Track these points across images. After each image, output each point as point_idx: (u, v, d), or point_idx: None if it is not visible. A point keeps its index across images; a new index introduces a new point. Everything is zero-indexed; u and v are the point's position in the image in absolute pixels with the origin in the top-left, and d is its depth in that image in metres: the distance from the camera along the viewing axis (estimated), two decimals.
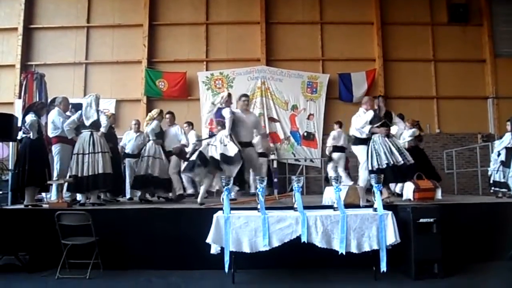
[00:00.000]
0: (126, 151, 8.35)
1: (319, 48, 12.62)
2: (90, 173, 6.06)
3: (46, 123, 6.90)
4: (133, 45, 12.45)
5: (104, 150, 6.22)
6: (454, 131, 12.39)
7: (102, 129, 6.28)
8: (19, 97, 9.37)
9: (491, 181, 8.00)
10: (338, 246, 4.38)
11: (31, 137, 6.10)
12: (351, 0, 12.76)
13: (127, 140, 8.46)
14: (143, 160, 7.33)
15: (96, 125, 6.28)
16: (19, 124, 6.55)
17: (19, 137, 6.41)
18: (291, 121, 11.99)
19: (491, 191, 8.00)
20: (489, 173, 8.23)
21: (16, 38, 12.28)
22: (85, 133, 6.24)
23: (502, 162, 7.65)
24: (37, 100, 7.78)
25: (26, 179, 5.93)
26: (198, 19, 12.64)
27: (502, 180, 7.56)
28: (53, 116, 6.61)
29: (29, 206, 5.94)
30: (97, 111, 6.36)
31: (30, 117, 6.14)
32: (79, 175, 6.05)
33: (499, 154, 7.79)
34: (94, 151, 6.14)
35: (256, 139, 7.46)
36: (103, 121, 6.32)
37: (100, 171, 6.09)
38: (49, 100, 7.71)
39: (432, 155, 12.13)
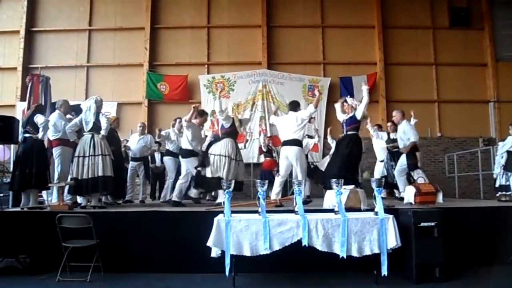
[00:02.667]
0: (130, 154, 8.37)
1: (320, 51, 12.65)
2: (89, 176, 6.05)
3: None
4: (135, 48, 12.49)
5: (105, 153, 6.21)
6: (456, 135, 12.39)
7: (103, 132, 6.26)
8: (24, 99, 9.40)
9: (497, 185, 7.97)
10: (339, 249, 4.37)
11: (39, 137, 6.09)
12: (353, 4, 12.79)
13: (131, 143, 8.47)
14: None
15: (96, 128, 6.28)
16: (21, 125, 6.54)
17: (21, 138, 6.37)
18: None
19: (497, 195, 7.95)
20: (495, 176, 8.20)
21: (18, 40, 12.33)
22: (86, 136, 6.24)
23: (504, 165, 7.65)
24: (43, 102, 7.82)
25: (34, 180, 5.93)
26: (200, 23, 12.68)
27: (507, 183, 7.56)
28: (54, 119, 6.60)
29: (25, 209, 5.93)
30: (97, 114, 6.32)
31: (43, 118, 6.17)
32: (79, 177, 6.05)
33: (502, 157, 7.79)
34: (95, 153, 6.13)
35: None
36: (103, 124, 6.30)
37: (100, 174, 6.08)
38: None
39: (433, 159, 12.18)
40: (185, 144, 7.22)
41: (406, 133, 7.56)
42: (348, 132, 6.69)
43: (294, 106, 6.85)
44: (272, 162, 9.53)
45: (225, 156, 6.64)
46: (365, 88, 6.59)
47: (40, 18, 12.65)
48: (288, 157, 6.50)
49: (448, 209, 5.52)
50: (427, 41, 12.76)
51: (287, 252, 4.40)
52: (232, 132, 6.90)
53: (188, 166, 7.08)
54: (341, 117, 7.00)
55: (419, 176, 7.21)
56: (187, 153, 7.17)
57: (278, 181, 6.60)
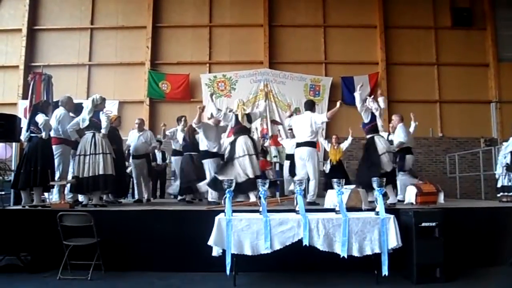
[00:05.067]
0: (131, 151, 8.26)
1: (322, 51, 12.64)
2: (90, 174, 6.05)
3: None
4: (137, 47, 12.50)
5: (106, 151, 6.20)
6: (457, 135, 12.37)
7: (103, 130, 6.25)
8: (26, 98, 9.39)
9: (499, 186, 7.94)
10: (339, 249, 4.36)
11: (43, 136, 6.10)
12: (355, 3, 12.79)
13: (131, 140, 8.35)
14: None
15: (95, 126, 6.27)
16: (26, 124, 6.51)
17: (26, 137, 6.33)
18: None
19: (499, 195, 7.93)
20: (497, 176, 8.16)
21: (20, 39, 12.36)
22: (88, 134, 6.24)
23: (507, 166, 7.62)
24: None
25: (39, 179, 5.94)
26: (202, 21, 12.69)
27: (509, 184, 7.53)
28: (61, 116, 6.57)
29: (26, 207, 5.95)
30: (95, 112, 6.29)
31: (43, 117, 6.09)
32: (80, 176, 6.05)
33: (505, 157, 7.76)
34: (95, 152, 6.12)
35: None
36: (103, 122, 6.27)
37: (101, 172, 6.07)
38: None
39: (434, 159, 12.18)
40: (202, 146, 7.33)
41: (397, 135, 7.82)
42: (368, 136, 6.81)
43: (310, 106, 6.91)
44: (265, 162, 9.53)
45: (246, 155, 6.56)
46: (381, 99, 6.82)
47: (42, 16, 12.67)
48: (302, 157, 6.59)
49: (449, 210, 5.51)
50: (429, 41, 12.74)
51: (288, 251, 4.40)
52: (242, 128, 6.83)
53: (208, 167, 7.15)
54: (360, 105, 6.90)
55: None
56: (205, 154, 7.28)
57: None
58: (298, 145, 6.71)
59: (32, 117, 6.25)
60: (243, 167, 6.42)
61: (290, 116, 7.35)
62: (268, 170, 9.22)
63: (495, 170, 8.45)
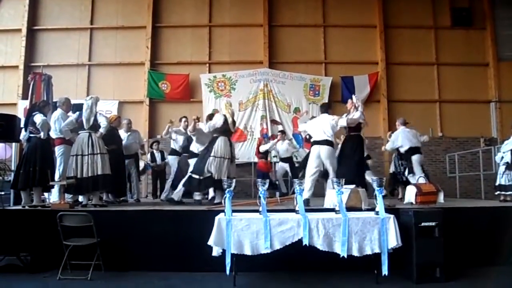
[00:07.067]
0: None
1: (321, 51, 12.62)
2: (90, 175, 6.05)
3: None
4: (136, 47, 12.48)
5: (103, 152, 6.22)
6: (457, 135, 12.36)
7: (102, 130, 6.27)
8: (26, 98, 9.40)
9: (496, 184, 7.93)
10: (339, 249, 4.37)
11: (42, 137, 6.10)
12: (354, 3, 12.77)
13: None
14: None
15: (95, 127, 6.28)
16: (24, 124, 6.52)
17: (25, 137, 6.34)
18: (293, 123, 11.97)
19: (496, 193, 7.93)
20: (499, 168, 8.15)
21: (20, 39, 12.34)
22: (83, 134, 6.22)
23: (506, 164, 7.61)
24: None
25: (38, 179, 5.94)
26: (201, 21, 12.67)
27: (508, 183, 7.52)
28: (56, 117, 6.59)
29: (26, 207, 5.94)
30: (96, 113, 6.34)
31: (40, 117, 6.11)
32: (79, 176, 6.04)
33: (502, 158, 7.75)
34: (93, 152, 6.12)
35: None
36: (103, 123, 6.31)
37: (100, 172, 6.08)
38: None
39: (434, 159, 12.16)
40: (192, 147, 7.57)
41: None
42: (351, 133, 6.71)
43: (326, 108, 6.98)
44: (265, 164, 9.60)
45: (220, 157, 6.59)
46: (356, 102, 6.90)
47: (42, 16, 12.65)
48: (320, 155, 6.50)
49: (449, 209, 5.52)
50: (428, 41, 12.73)
51: (287, 251, 4.40)
52: (224, 130, 6.81)
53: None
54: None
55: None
56: (193, 155, 7.44)
57: (309, 179, 6.53)
58: (316, 143, 6.62)
59: (30, 117, 6.26)
60: (215, 166, 6.53)
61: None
62: (271, 172, 9.31)
63: (498, 167, 8.37)
